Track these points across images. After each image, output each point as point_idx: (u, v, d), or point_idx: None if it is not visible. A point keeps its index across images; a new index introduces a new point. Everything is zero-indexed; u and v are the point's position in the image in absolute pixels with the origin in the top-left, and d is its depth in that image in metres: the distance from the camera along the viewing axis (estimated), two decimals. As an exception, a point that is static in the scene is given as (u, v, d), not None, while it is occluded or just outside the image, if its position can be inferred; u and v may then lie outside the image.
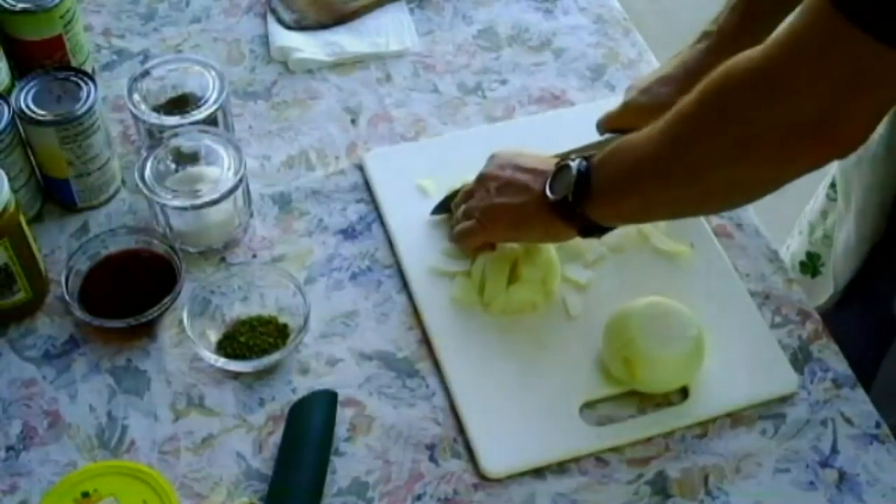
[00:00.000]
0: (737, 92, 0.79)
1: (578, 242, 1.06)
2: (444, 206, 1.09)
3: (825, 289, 1.15)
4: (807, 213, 1.23)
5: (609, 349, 0.98)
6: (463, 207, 1.04)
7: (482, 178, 1.03)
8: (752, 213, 1.12)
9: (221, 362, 0.98)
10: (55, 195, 1.10)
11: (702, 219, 1.10)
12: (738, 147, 0.80)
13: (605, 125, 1.11)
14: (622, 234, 1.08)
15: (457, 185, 1.09)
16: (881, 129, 1.05)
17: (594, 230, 0.95)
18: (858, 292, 1.12)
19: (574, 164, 0.92)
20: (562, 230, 0.96)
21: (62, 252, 1.07)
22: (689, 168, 0.85)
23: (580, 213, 0.92)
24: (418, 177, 1.12)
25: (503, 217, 1.00)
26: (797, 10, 0.76)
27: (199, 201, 1.03)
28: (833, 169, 1.18)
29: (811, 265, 1.19)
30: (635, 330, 0.95)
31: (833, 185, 1.17)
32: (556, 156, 1.01)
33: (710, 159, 0.83)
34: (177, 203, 1.03)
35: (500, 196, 1.00)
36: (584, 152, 0.95)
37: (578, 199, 0.92)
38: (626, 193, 0.91)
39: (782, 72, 0.76)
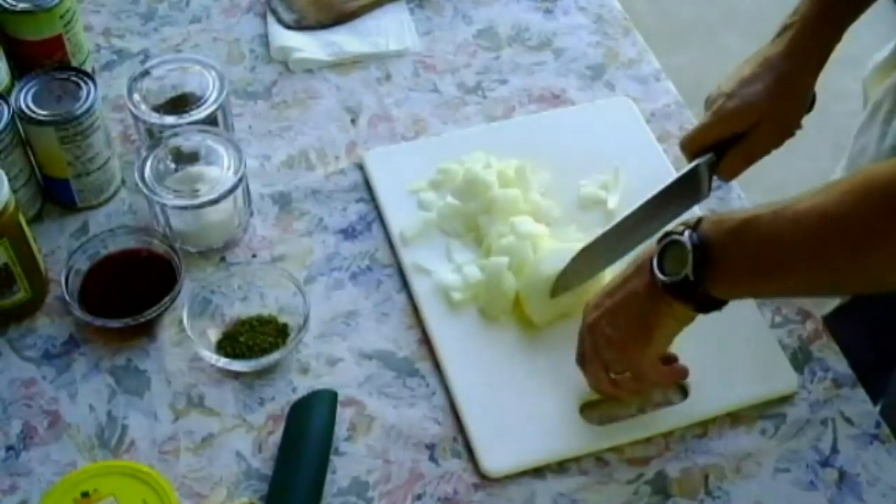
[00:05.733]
0: None
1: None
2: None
3: (833, 298, 1.14)
4: None
5: None
6: (592, 368, 0.94)
7: (590, 328, 0.92)
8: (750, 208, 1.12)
9: (222, 362, 0.98)
10: (55, 195, 1.11)
11: (702, 218, 1.10)
12: None
13: (694, 142, 1.04)
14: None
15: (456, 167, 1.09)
16: (891, 140, 1.04)
17: (716, 306, 0.85)
18: (861, 298, 1.11)
19: (685, 239, 0.83)
20: (682, 312, 0.86)
21: (62, 252, 1.07)
22: (842, 263, 0.78)
23: (702, 292, 0.83)
24: (418, 176, 1.13)
25: (627, 338, 0.89)
26: None
27: (198, 201, 1.03)
28: (835, 178, 1.17)
29: None
30: None
31: None
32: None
33: (873, 256, 0.76)
34: (177, 203, 1.03)
35: (614, 328, 0.89)
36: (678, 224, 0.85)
37: (700, 277, 0.82)
38: (759, 276, 0.82)
39: None
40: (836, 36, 1.01)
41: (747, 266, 0.82)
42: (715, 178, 1.05)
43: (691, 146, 1.05)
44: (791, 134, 1.04)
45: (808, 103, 1.04)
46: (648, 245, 0.89)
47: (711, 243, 0.82)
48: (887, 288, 0.80)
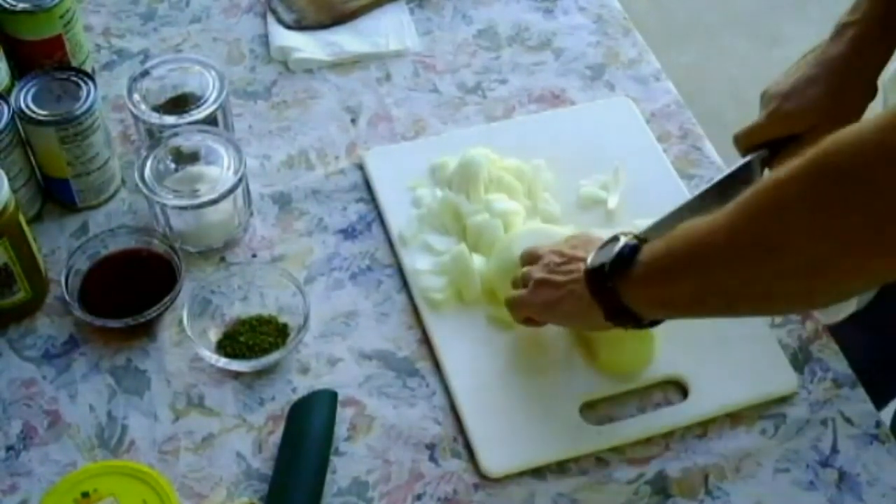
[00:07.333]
0: (853, 167, 0.68)
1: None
2: None
3: (847, 306, 1.12)
4: None
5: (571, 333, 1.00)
6: (523, 271, 0.96)
7: (553, 250, 0.94)
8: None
9: (222, 362, 0.98)
10: (55, 195, 1.11)
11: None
12: (853, 231, 0.69)
13: (749, 139, 1.01)
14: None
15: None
16: None
17: (623, 314, 0.85)
18: (867, 307, 1.11)
19: (623, 238, 0.85)
20: (590, 309, 0.86)
21: (62, 252, 1.07)
22: (767, 245, 0.74)
23: (611, 288, 0.84)
24: (418, 176, 1.13)
25: (542, 293, 0.92)
26: None
27: (198, 201, 1.03)
28: None
29: None
30: None
31: None
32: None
33: (799, 238, 0.72)
34: (177, 203, 1.03)
35: (550, 273, 0.92)
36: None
37: (614, 272, 0.83)
38: (676, 276, 0.81)
39: None
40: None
41: (661, 265, 0.82)
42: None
43: (745, 143, 1.02)
44: None
45: (870, 99, 1.01)
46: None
47: (643, 248, 0.83)
48: (774, 312, 0.80)
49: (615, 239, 0.86)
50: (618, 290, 0.84)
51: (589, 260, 0.88)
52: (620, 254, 0.84)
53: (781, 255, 0.73)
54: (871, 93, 1.01)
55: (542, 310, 0.94)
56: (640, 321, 0.85)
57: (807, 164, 0.71)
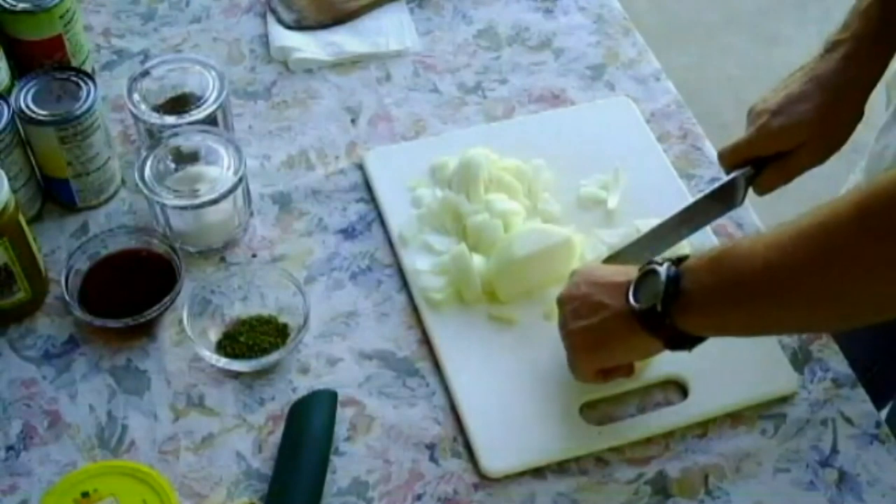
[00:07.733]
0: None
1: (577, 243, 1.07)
2: None
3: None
4: None
5: None
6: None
7: (561, 301, 0.93)
8: (752, 212, 1.12)
9: (222, 362, 0.98)
10: (55, 195, 1.11)
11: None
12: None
13: (733, 157, 1.01)
14: (621, 234, 1.08)
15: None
16: None
17: (684, 342, 0.84)
18: None
19: (662, 270, 0.82)
20: (646, 343, 0.85)
21: (62, 252, 1.07)
22: (827, 289, 0.75)
23: (669, 324, 0.82)
24: (418, 176, 1.13)
25: (581, 340, 0.90)
26: None
27: (198, 201, 1.03)
28: (850, 184, 1.17)
29: None
30: None
31: None
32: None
33: (860, 283, 0.73)
34: (176, 203, 1.03)
35: (576, 319, 0.90)
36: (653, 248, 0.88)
37: (668, 308, 0.81)
38: (731, 306, 0.80)
39: None
40: (892, 52, 0.98)
41: (717, 295, 0.81)
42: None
43: (731, 160, 1.02)
44: (837, 150, 1.01)
45: (858, 119, 1.01)
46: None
47: (685, 274, 0.82)
48: (855, 324, 0.79)
49: (652, 272, 0.84)
50: (676, 323, 0.82)
51: (633, 302, 0.85)
52: (667, 289, 0.82)
53: (839, 301, 0.75)
54: (860, 113, 1.00)
55: (591, 354, 0.91)
56: (702, 339, 0.85)
57: (853, 216, 0.72)
